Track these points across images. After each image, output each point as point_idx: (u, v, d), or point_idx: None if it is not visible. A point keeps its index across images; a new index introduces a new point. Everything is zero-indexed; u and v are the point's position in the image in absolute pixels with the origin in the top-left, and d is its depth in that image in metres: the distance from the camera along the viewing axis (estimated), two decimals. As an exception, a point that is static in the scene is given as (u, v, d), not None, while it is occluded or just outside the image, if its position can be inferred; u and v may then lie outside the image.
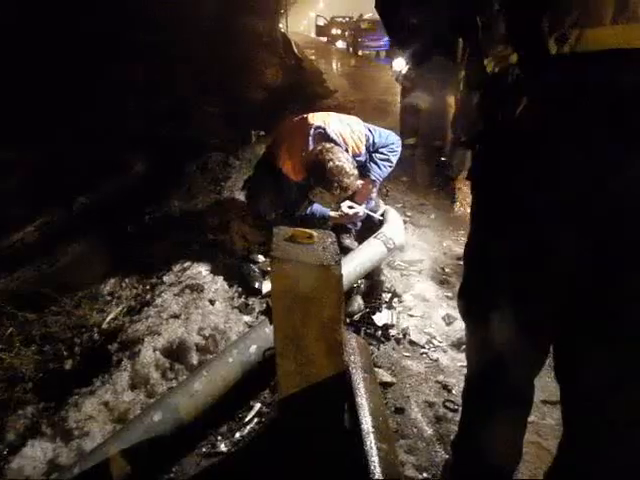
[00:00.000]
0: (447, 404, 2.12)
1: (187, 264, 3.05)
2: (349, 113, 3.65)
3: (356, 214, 3.27)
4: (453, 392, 2.20)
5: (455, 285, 3.09)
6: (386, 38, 21.43)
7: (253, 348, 2.02)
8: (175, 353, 2.31)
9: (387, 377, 2.27)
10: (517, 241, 1.11)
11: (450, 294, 2.97)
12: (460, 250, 3.64)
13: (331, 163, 2.91)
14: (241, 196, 4.09)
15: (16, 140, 4.47)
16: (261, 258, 3.33)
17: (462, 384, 2.33)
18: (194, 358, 2.31)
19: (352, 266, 2.65)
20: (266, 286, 2.87)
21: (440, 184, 5.11)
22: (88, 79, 5.00)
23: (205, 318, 2.46)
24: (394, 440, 1.83)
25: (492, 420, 1.40)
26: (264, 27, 14.96)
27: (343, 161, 2.94)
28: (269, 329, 2.12)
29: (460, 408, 2.13)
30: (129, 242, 3.69)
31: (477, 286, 1.32)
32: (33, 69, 4.65)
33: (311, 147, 3.05)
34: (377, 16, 1.27)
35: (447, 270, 3.26)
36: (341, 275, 1.55)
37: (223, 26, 9.64)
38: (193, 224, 3.82)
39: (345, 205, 3.24)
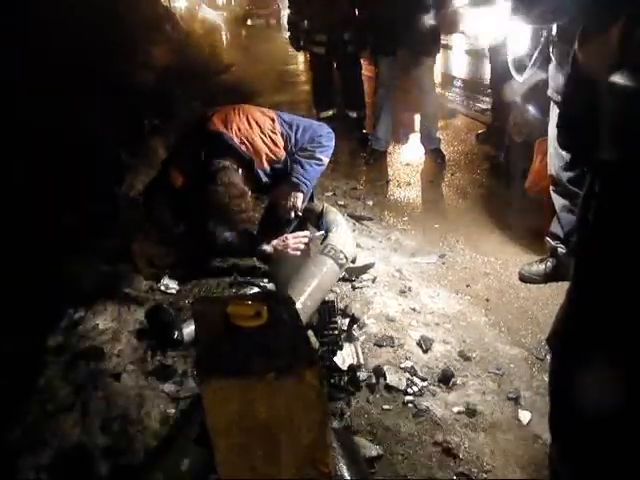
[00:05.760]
0: (460, 480, 1.59)
1: (78, 315, 2.29)
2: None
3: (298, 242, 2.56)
4: (461, 457, 1.67)
5: (419, 292, 2.56)
6: (275, 5, 20.30)
7: (185, 465, 1.37)
8: (71, 467, 1.62)
9: (371, 449, 1.69)
10: None
11: (416, 306, 2.43)
12: (412, 243, 3.11)
13: (211, 197, 2.33)
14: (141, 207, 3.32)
15: None
16: (174, 286, 2.66)
17: (468, 442, 1.84)
18: (101, 467, 1.64)
19: (301, 301, 2.01)
20: (187, 331, 2.19)
21: (368, 160, 4.57)
22: None
23: (110, 404, 1.77)
24: None
25: None
26: (145, 2, 13.72)
27: (225, 195, 2.33)
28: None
29: (478, 484, 1.62)
30: None
31: None
32: None
33: (202, 159, 2.41)
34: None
35: (404, 272, 2.70)
36: (322, 381, 0.94)
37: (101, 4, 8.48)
38: (82, 249, 3.02)
39: (280, 238, 2.57)
